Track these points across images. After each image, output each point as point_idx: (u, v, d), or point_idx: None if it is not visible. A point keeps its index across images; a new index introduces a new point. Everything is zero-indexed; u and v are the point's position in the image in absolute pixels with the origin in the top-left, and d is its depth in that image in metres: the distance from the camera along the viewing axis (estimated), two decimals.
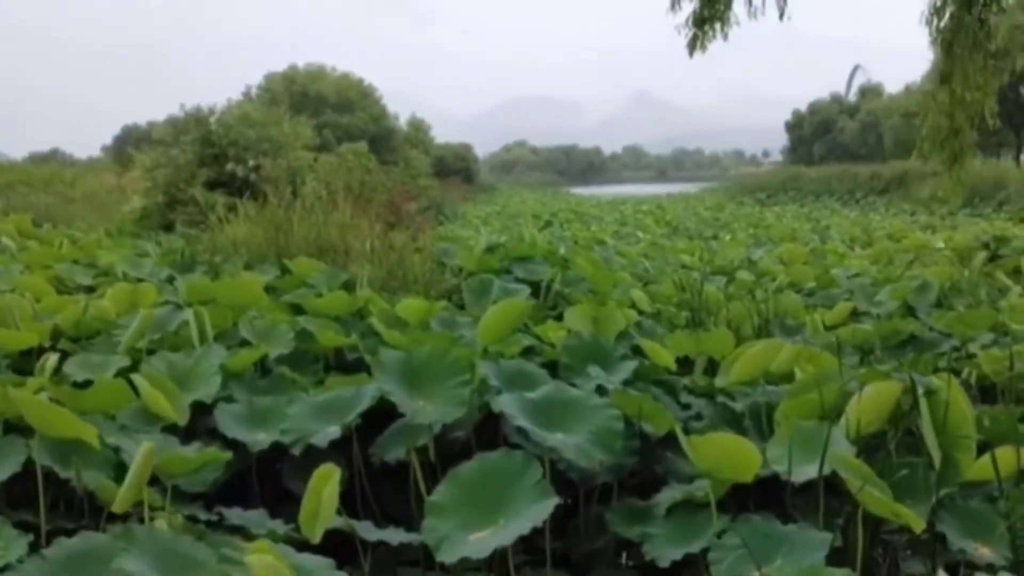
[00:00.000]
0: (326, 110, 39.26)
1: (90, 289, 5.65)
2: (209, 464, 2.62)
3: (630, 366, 3.34)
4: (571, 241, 13.41)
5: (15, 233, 8.09)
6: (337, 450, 2.99)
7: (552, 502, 2.28)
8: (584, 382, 3.16)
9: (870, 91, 71.68)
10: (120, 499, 2.13)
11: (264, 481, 3.15)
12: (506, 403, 2.66)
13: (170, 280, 5.99)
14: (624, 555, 2.95)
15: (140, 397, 2.89)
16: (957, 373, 3.73)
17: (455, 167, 46.81)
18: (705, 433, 2.79)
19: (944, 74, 8.80)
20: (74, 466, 2.50)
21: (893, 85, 70.81)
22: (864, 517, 2.31)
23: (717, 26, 8.61)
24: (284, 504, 2.89)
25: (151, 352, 3.56)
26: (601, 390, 3.05)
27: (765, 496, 2.76)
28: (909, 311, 6.13)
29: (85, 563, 1.96)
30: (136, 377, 2.90)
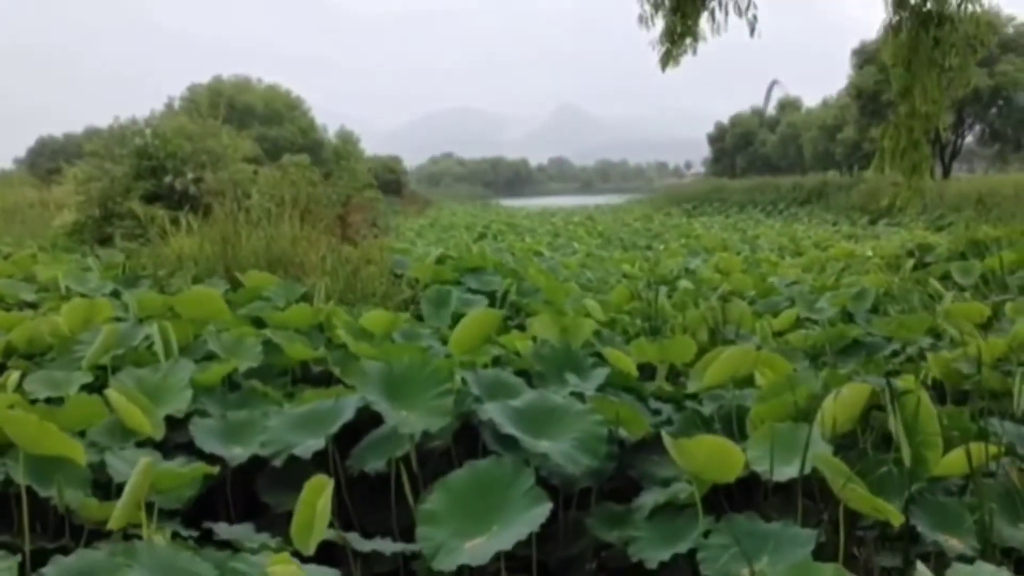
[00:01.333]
0: (253, 122, 38.69)
1: (32, 305, 5.50)
2: (196, 479, 2.59)
3: (602, 373, 3.41)
4: (508, 253, 13.48)
5: None
6: (312, 462, 2.99)
7: (547, 508, 2.32)
8: (558, 389, 3.21)
9: (789, 105, 73.65)
10: (117, 516, 2.09)
11: (236, 495, 3.12)
12: (492, 411, 2.69)
13: (115, 295, 5.86)
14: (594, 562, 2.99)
15: (114, 412, 2.84)
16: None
17: (384, 179, 46.54)
18: (677, 437, 2.88)
19: (903, 89, 9.15)
20: (56, 484, 2.45)
21: (811, 99, 72.96)
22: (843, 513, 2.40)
23: (687, 41, 8.82)
24: (257, 518, 2.87)
25: (115, 368, 3.49)
26: (578, 397, 3.10)
27: (739, 497, 2.84)
28: (848, 317, 6.35)
29: None
30: (110, 392, 2.84)
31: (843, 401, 2.63)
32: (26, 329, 3.96)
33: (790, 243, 18.07)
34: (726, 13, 8.57)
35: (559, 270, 8.66)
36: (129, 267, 6.85)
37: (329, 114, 48.67)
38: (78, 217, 9.99)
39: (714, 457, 2.50)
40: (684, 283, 8.69)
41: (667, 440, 2.57)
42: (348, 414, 2.88)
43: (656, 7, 8.74)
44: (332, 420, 2.92)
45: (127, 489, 2.10)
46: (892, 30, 9.28)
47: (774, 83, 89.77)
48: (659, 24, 8.95)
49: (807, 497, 2.74)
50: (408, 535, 2.86)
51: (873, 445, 2.84)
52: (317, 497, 2.28)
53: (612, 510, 2.89)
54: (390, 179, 50.65)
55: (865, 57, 42.98)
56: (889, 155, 9.15)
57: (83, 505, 2.43)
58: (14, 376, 3.23)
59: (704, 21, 8.78)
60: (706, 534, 2.44)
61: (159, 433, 2.87)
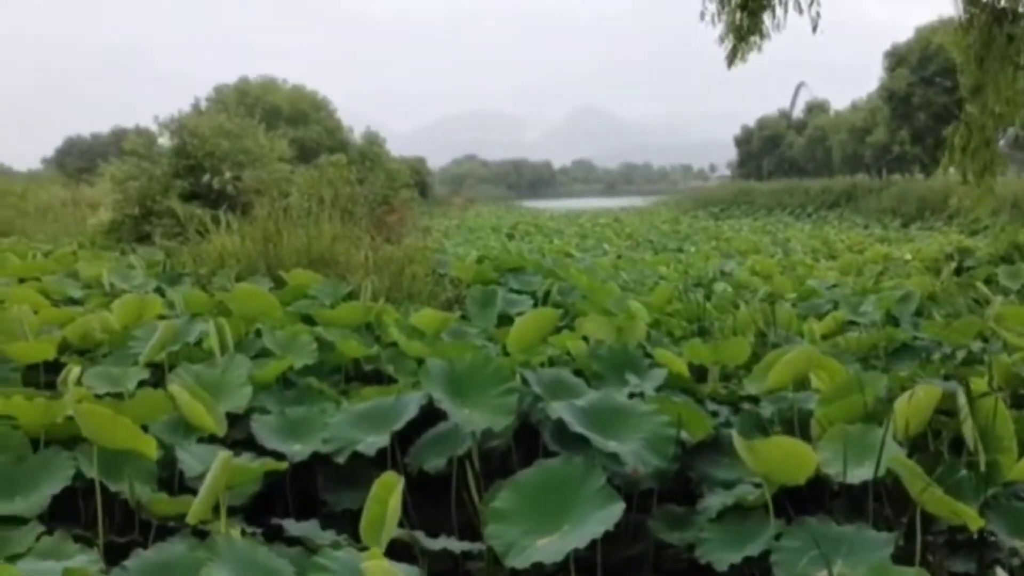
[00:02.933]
0: (279, 123, 38.90)
1: (77, 302, 5.53)
2: (259, 475, 2.59)
3: (660, 374, 3.38)
4: (539, 254, 13.47)
5: None
6: (370, 460, 2.98)
7: (619, 507, 2.30)
8: (617, 390, 3.18)
9: (816, 107, 73.12)
10: (195, 511, 2.09)
11: (293, 493, 3.11)
12: (560, 410, 2.67)
13: (158, 292, 5.89)
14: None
15: (177, 408, 2.84)
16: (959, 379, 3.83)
17: (408, 180, 46.52)
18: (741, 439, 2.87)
19: (975, 87, 9.01)
20: (128, 479, 2.45)
21: (838, 102, 72.41)
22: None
23: (752, 38, 8.75)
24: (314, 516, 2.86)
25: (171, 365, 3.50)
26: (638, 398, 3.08)
27: (804, 499, 2.80)
28: (892, 320, 6.28)
29: (169, 575, 1.93)
30: (174, 388, 2.85)
31: (916, 403, 2.59)
32: (79, 325, 3.99)
33: (823, 246, 17.92)
34: (785, 10, 8.49)
35: (595, 271, 8.63)
36: (170, 265, 6.90)
37: (349, 115, 48.68)
38: (115, 215, 10.07)
39: (786, 459, 2.47)
40: (721, 285, 8.63)
41: (738, 442, 2.54)
42: (412, 411, 2.87)
43: (723, 4, 8.67)
44: (394, 417, 2.91)
45: (205, 484, 2.10)
46: (963, 27, 9.13)
47: (801, 85, 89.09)
48: (721, 23, 8.87)
49: (874, 500, 2.69)
50: (465, 533, 2.85)
51: (943, 448, 2.80)
52: (388, 495, 2.27)
53: (674, 511, 2.86)
54: (415, 180, 50.70)
55: (897, 59, 42.63)
56: (959, 154, 9.00)
57: (153, 500, 2.44)
58: (75, 371, 3.24)
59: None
60: (777, 536, 2.40)
61: (221, 429, 2.87)
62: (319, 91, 47.36)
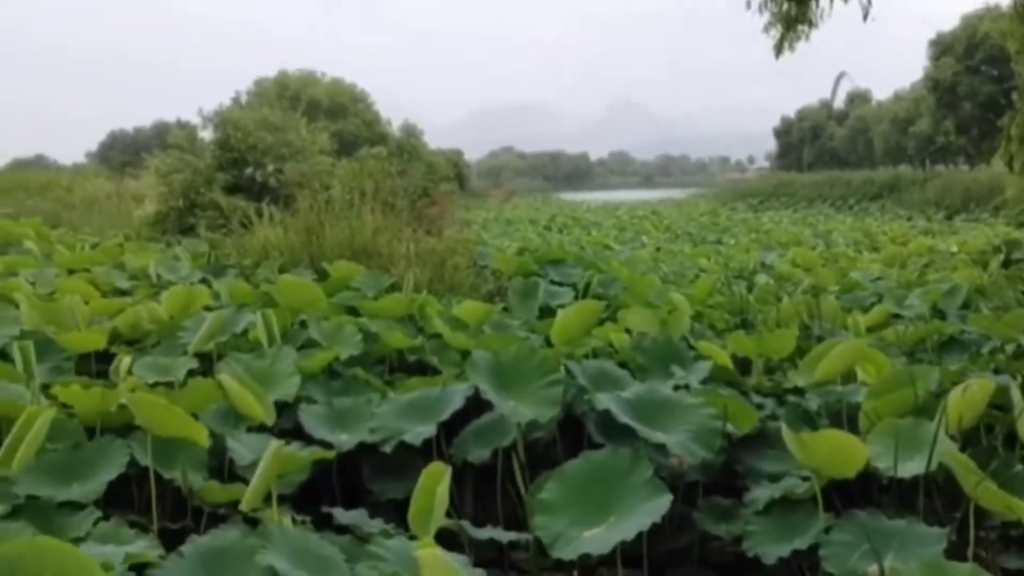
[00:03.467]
0: (319, 116, 39.19)
1: (124, 292, 5.63)
2: (307, 464, 2.62)
3: (705, 367, 3.37)
4: (577, 246, 13.44)
5: (34, 236, 8.04)
6: (414, 450, 3.01)
7: (667, 499, 2.30)
8: (661, 382, 3.17)
9: (858, 97, 72.07)
10: (248, 498, 2.13)
11: (338, 482, 3.14)
12: (607, 401, 2.68)
13: (203, 283, 5.98)
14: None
15: (227, 397, 2.89)
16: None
17: (448, 173, 46.56)
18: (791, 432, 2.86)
19: None
20: (181, 466, 2.50)
21: (880, 92, 71.21)
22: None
23: (802, 28, 8.63)
24: (359, 505, 2.89)
25: (219, 355, 3.55)
26: (684, 390, 3.06)
27: (852, 493, 2.78)
28: (939, 314, 6.18)
29: (224, 560, 1.96)
30: (224, 377, 2.90)
31: (969, 397, 2.55)
32: (129, 315, 4.06)
33: (865, 238, 17.69)
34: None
35: (635, 263, 8.60)
36: (214, 256, 6.99)
37: (386, 107, 48.77)
38: (160, 208, 10.23)
39: (836, 452, 2.45)
40: (763, 278, 8.55)
41: (787, 435, 2.52)
42: (458, 402, 2.89)
43: None
44: (440, 408, 2.93)
45: (258, 472, 2.13)
46: (1018, 14, 8.92)
47: (842, 75, 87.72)
48: (767, 12, 8.73)
49: (924, 495, 2.66)
50: (510, 524, 2.86)
51: (996, 443, 2.76)
52: (436, 484, 2.29)
53: (720, 504, 2.85)
54: (453, 173, 50.68)
55: (942, 48, 41.88)
56: (1016, 144, 8.80)
57: (205, 487, 2.48)
58: (126, 361, 3.31)
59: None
60: (827, 530, 2.38)
61: (270, 419, 2.91)
62: (357, 84, 47.59)
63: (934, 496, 2.66)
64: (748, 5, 8.70)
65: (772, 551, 2.45)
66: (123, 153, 78.41)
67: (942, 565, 2.06)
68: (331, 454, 2.63)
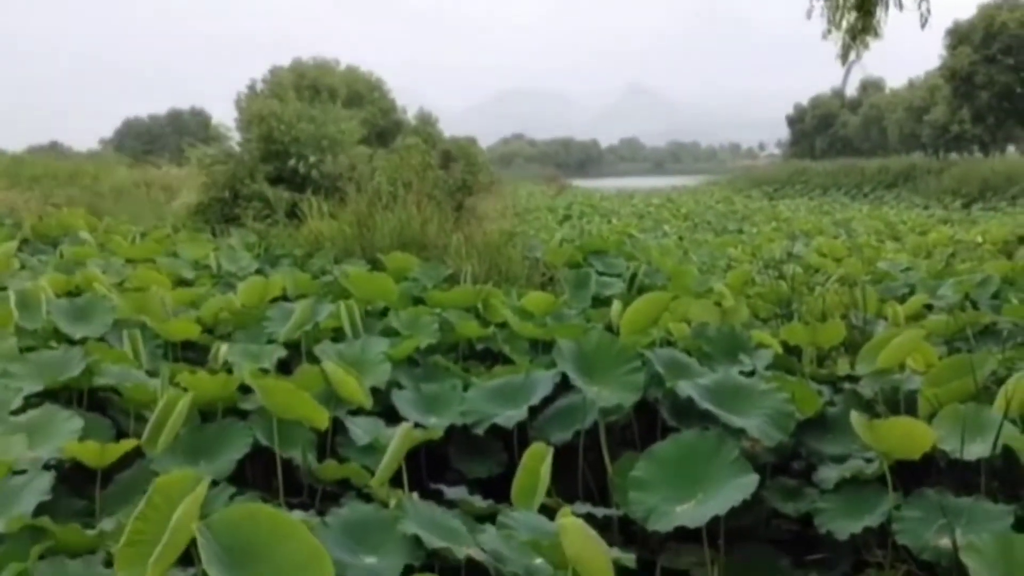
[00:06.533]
0: (337, 104, 39.26)
1: (188, 282, 5.84)
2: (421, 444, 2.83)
3: (767, 354, 3.57)
4: (599, 235, 13.59)
5: (85, 226, 8.27)
6: (494, 433, 3.22)
7: (755, 478, 2.50)
8: (727, 369, 3.37)
9: (871, 85, 71.75)
10: (380, 476, 2.34)
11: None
12: (688, 389, 2.88)
13: (258, 273, 6.19)
14: None
15: (330, 383, 3.09)
16: None
17: (446, 159, 46.42)
18: (841, 416, 3.08)
19: None
20: (299, 446, 2.72)
21: (893, 80, 70.80)
22: None
23: (868, 38, 8.76)
24: (443, 483, 3.10)
25: (310, 343, 3.77)
26: (749, 376, 3.26)
27: (916, 473, 2.97)
28: (971, 304, 6.35)
29: (366, 530, 2.18)
30: (327, 364, 3.11)
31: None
32: (213, 305, 4.28)
33: (885, 227, 17.79)
34: (900, 7, 8.44)
35: (667, 253, 8.78)
36: (265, 247, 7.20)
37: (398, 94, 48.74)
38: (201, 198, 10.45)
39: (905, 437, 2.65)
40: (792, 268, 8.71)
41: (856, 420, 2.72)
42: (546, 388, 3.10)
43: (835, 3, 8.64)
44: (527, 393, 3.14)
45: (390, 451, 2.34)
46: None
47: (853, 63, 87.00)
48: (822, 17, 8.83)
49: (975, 474, 2.85)
50: (590, 501, 3.07)
51: None
52: (539, 464, 2.50)
53: (787, 483, 3.05)
54: (453, 159, 50.44)
55: (959, 37, 41.75)
56: None
57: (324, 466, 2.69)
58: (223, 348, 3.53)
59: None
60: (897, 507, 2.58)
61: (369, 403, 3.12)
62: (373, 72, 47.59)
63: (991, 477, 2.86)
64: (808, 16, 8.80)
65: (844, 527, 2.65)
66: (138, 140, 78.79)
67: (1011, 538, 2.26)
68: (437, 433, 2.84)
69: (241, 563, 1.53)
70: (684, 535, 2.75)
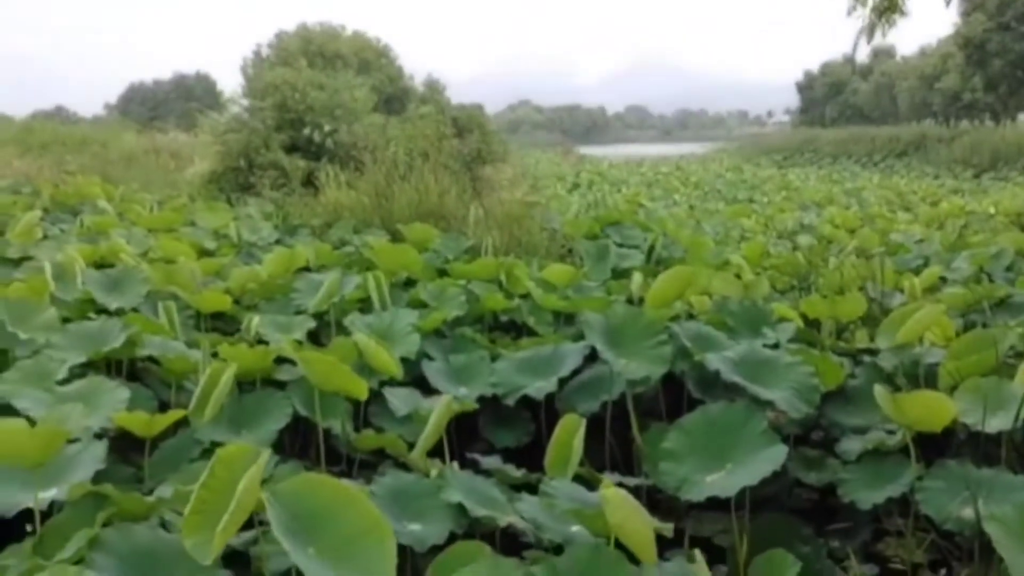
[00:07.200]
0: (344, 71, 39.03)
1: (209, 252, 5.89)
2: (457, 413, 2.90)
3: (790, 328, 3.63)
4: (611, 205, 13.60)
5: (103, 195, 8.31)
6: (521, 403, 3.29)
7: (783, 449, 2.56)
8: (751, 342, 3.43)
9: (883, 53, 71.11)
10: (421, 447, 2.41)
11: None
12: (717, 362, 2.94)
13: (278, 243, 6.25)
14: None
15: (362, 354, 3.16)
16: None
17: (469, 128, 46.36)
18: (862, 389, 3.15)
19: None
20: (339, 416, 2.80)
21: (903, 47, 70.20)
22: None
23: (894, 16, 8.74)
24: (472, 452, 3.17)
25: (340, 314, 3.83)
26: (773, 349, 3.33)
27: (939, 445, 3.03)
28: (986, 276, 6.39)
29: (409, 497, 2.26)
30: (359, 336, 3.18)
31: None
32: (240, 276, 4.34)
33: (897, 197, 17.76)
34: None
35: (679, 223, 8.81)
36: (282, 216, 7.26)
37: (405, 61, 48.37)
38: (215, 167, 10.48)
39: (928, 410, 2.71)
40: (806, 239, 8.76)
41: (880, 393, 2.78)
42: (575, 360, 3.17)
43: None
44: (556, 365, 3.21)
45: (431, 422, 2.42)
46: None
47: (863, 29, 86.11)
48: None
49: (995, 447, 2.92)
50: (616, 470, 3.15)
51: None
52: (572, 435, 2.57)
53: (809, 454, 3.13)
54: (467, 128, 50.27)
55: (973, 4, 41.35)
56: None
57: (363, 436, 2.77)
58: (256, 320, 3.60)
59: None
60: (920, 478, 2.65)
61: (400, 373, 3.19)
62: (380, 38, 47.28)
63: (1011, 450, 2.93)
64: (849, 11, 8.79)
65: (867, 497, 2.73)
66: (143, 106, 78.54)
67: None
68: (473, 405, 2.91)
69: (307, 530, 1.61)
70: (706, 504, 2.86)
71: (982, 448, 2.96)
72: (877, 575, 2.93)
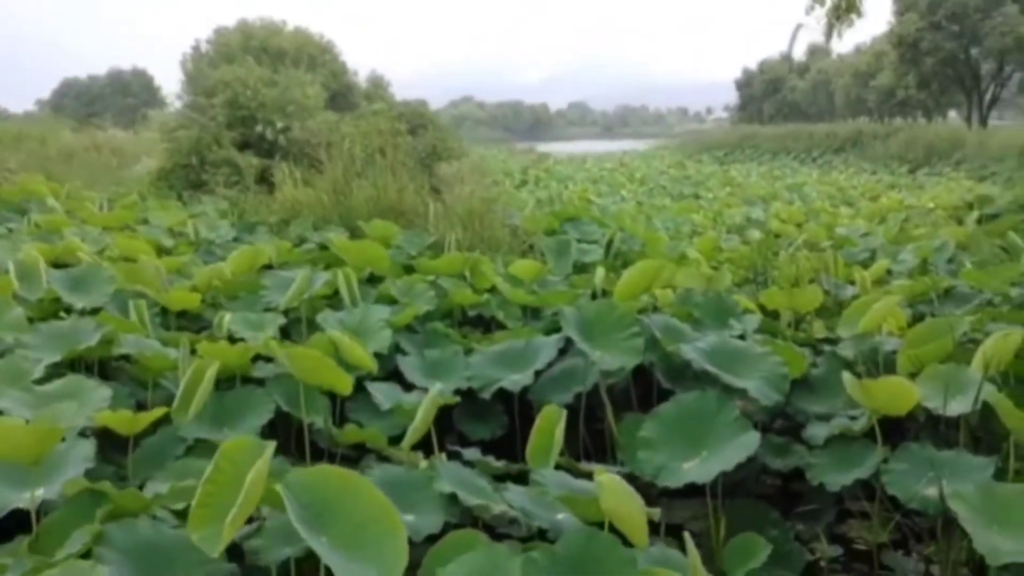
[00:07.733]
0: (288, 67, 38.59)
1: (167, 251, 5.82)
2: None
3: (755, 319, 3.74)
4: (560, 201, 13.70)
5: (50, 193, 8.14)
6: (497, 396, 3.34)
7: (756, 436, 2.66)
8: (718, 333, 3.53)
9: (818, 51, 72.58)
10: (409, 439, 2.45)
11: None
12: (690, 352, 3.03)
13: (235, 241, 6.21)
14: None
15: (338, 349, 3.18)
16: None
17: (415, 124, 46.13)
18: (824, 377, 3.27)
19: None
20: (320, 411, 2.82)
21: (841, 45, 71.77)
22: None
23: (852, 16, 8.93)
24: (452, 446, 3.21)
25: (311, 311, 3.84)
26: (740, 339, 3.43)
27: (902, 429, 3.16)
28: (929, 268, 6.62)
29: (402, 488, 2.29)
30: (334, 333, 3.20)
31: (1003, 345, 2.93)
32: (205, 275, 4.31)
33: (837, 192, 18.21)
34: None
35: (630, 219, 8.93)
36: (238, 214, 7.19)
37: (348, 58, 47.96)
38: (164, 164, 10.31)
39: (893, 395, 2.83)
40: (755, 233, 8.94)
41: (848, 380, 2.89)
42: (550, 353, 3.23)
43: None
44: (531, 358, 3.27)
45: (419, 416, 2.45)
46: None
47: (799, 27, 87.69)
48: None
49: (952, 430, 3.06)
50: (592, 459, 3.22)
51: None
52: (553, 425, 2.62)
53: (775, 440, 3.23)
54: (417, 123, 50.13)
55: (906, 4, 42.48)
56: None
57: (345, 430, 2.80)
58: (227, 317, 3.59)
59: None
60: (885, 460, 2.77)
61: (375, 369, 3.22)
62: (323, 34, 46.81)
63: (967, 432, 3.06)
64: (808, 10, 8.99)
65: (836, 480, 2.84)
66: (77, 102, 76.54)
67: (993, 487, 2.45)
68: (455, 400, 2.95)
69: (320, 518, 1.64)
70: (678, 491, 2.95)
71: (941, 431, 3.10)
72: (842, 555, 3.07)
